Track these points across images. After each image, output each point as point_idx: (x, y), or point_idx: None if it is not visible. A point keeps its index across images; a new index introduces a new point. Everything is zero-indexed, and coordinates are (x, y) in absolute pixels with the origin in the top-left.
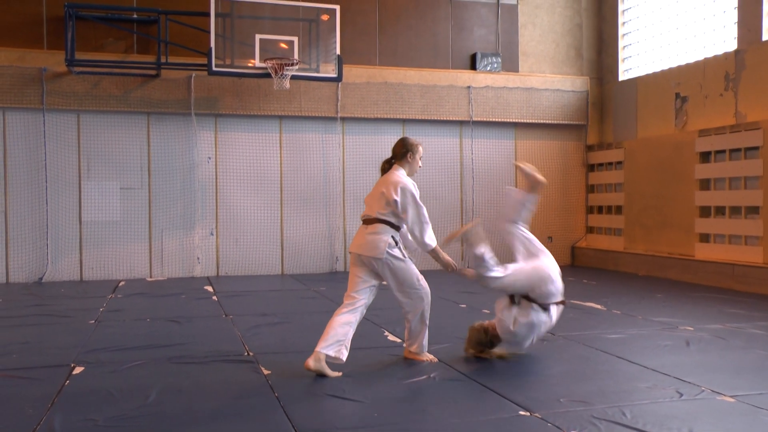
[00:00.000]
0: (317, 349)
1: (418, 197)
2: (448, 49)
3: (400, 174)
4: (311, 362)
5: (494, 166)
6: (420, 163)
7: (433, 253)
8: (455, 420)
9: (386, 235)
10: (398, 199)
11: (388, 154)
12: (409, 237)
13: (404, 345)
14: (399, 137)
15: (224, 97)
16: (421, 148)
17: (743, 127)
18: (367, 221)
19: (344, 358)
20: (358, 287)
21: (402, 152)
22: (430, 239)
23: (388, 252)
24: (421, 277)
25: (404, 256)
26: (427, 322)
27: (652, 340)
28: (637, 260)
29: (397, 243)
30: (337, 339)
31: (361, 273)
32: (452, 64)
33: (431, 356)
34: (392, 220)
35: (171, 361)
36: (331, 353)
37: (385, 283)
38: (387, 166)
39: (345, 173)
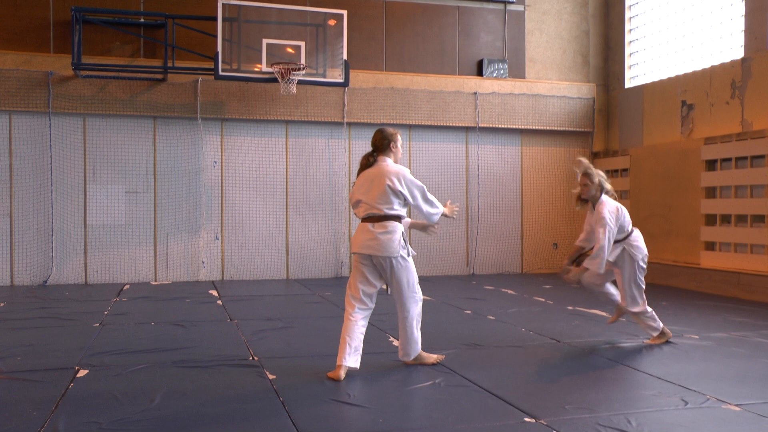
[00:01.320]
0: (343, 363)
1: (413, 178)
2: (454, 55)
3: (391, 164)
4: (342, 374)
5: (500, 173)
6: (401, 151)
7: (443, 215)
8: (460, 426)
9: (398, 234)
10: (404, 190)
11: None
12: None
13: (401, 355)
14: (405, 143)
15: (230, 102)
16: (399, 137)
17: (749, 135)
18: (374, 219)
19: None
20: (369, 291)
21: (385, 144)
22: (439, 205)
23: (400, 252)
24: (417, 281)
25: (409, 255)
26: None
27: (657, 347)
28: None
29: (405, 242)
30: (356, 349)
31: (370, 275)
32: (459, 70)
33: (436, 356)
34: (402, 212)
35: (175, 364)
36: (356, 365)
37: (385, 287)
38: (371, 160)
39: (351, 178)
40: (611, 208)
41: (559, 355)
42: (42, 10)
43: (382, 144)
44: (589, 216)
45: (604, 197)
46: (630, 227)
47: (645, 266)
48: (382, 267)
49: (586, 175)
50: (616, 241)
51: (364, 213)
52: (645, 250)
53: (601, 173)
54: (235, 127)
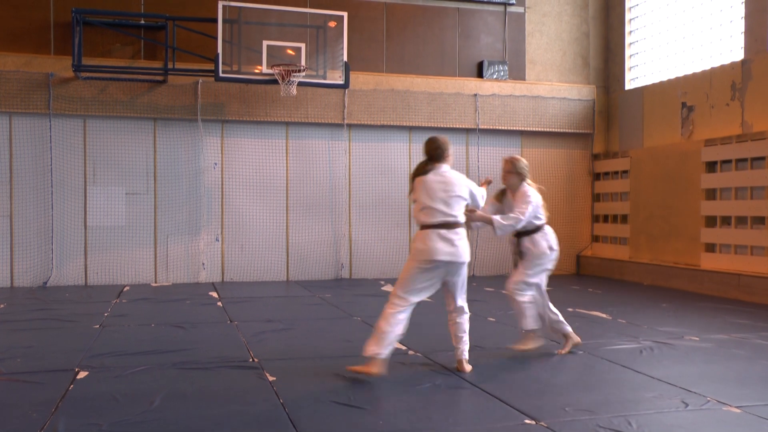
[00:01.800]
0: (374, 355)
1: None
2: (455, 56)
3: (455, 173)
4: (376, 369)
5: (500, 174)
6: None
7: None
8: (460, 428)
9: (467, 239)
10: (472, 201)
11: (395, 161)
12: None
13: (460, 355)
14: (405, 145)
15: (231, 103)
16: (450, 144)
17: (749, 137)
18: (449, 225)
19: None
20: (426, 294)
21: (439, 153)
22: (483, 191)
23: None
24: None
25: None
26: None
27: (657, 349)
28: (643, 269)
29: None
30: (391, 341)
31: (434, 279)
32: (459, 71)
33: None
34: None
35: (175, 366)
36: (386, 354)
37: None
38: (429, 167)
39: (351, 180)
40: (534, 192)
41: (559, 357)
42: (42, 12)
43: (436, 153)
44: (498, 202)
45: (526, 184)
46: (545, 219)
47: (553, 261)
48: (453, 271)
49: (509, 161)
50: (530, 231)
51: (435, 219)
52: (555, 246)
53: (525, 163)
54: (235, 129)
